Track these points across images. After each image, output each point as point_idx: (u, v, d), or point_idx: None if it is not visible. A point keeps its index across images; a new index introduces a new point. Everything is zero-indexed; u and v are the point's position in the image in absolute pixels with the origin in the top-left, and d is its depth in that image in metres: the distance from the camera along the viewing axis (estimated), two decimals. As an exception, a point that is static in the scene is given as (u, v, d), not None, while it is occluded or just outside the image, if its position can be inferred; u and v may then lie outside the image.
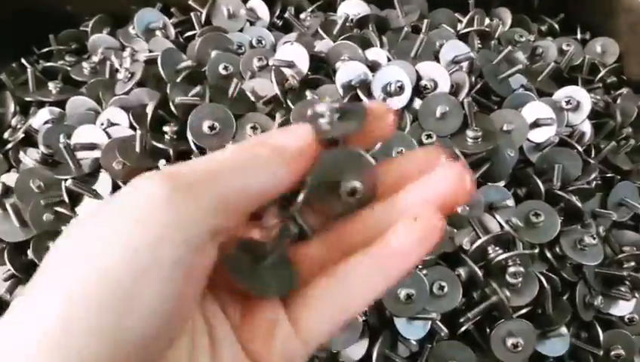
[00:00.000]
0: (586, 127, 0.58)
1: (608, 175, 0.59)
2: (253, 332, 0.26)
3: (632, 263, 0.55)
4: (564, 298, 0.52)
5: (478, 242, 0.48)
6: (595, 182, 0.56)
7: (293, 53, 0.55)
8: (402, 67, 0.52)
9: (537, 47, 0.69)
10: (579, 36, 0.74)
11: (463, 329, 0.48)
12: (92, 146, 0.53)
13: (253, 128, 0.51)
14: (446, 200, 0.27)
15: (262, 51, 0.58)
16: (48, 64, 0.66)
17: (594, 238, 0.51)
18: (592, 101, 0.58)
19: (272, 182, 0.24)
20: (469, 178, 0.27)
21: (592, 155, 0.58)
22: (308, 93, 0.53)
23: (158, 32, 0.64)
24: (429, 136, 0.51)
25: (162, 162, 0.52)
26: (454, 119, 0.52)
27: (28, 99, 0.62)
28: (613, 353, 0.52)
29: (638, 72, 0.70)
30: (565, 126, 0.57)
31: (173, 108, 0.53)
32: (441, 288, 0.47)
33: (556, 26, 0.75)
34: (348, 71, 0.54)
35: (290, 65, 0.55)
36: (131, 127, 0.54)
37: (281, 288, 0.27)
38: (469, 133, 0.51)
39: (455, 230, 0.50)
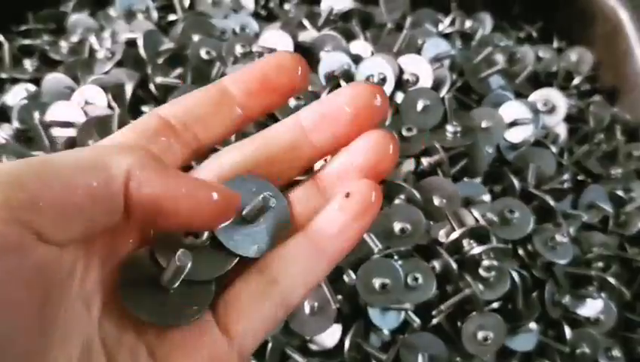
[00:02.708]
0: (561, 130, 0.59)
1: (580, 178, 0.60)
2: (173, 344, 0.24)
3: (600, 263, 0.56)
4: (534, 295, 0.53)
5: (454, 235, 0.49)
6: (566, 184, 0.57)
7: (277, 41, 0.55)
8: (385, 59, 0.53)
9: (515, 52, 0.71)
10: (555, 45, 0.76)
11: (435, 321, 0.48)
12: (67, 124, 0.52)
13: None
14: (371, 168, 0.27)
15: (245, 38, 0.58)
16: (25, 42, 0.65)
17: (565, 237, 0.52)
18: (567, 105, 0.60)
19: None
20: (393, 143, 0.27)
21: (565, 158, 0.60)
22: (291, 81, 0.53)
23: (139, 15, 0.64)
24: (409, 129, 0.51)
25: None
26: (435, 114, 0.52)
27: (3, 75, 0.61)
28: (578, 351, 0.53)
29: (611, 80, 0.72)
30: (541, 128, 0.58)
31: (153, 88, 0.52)
32: (415, 279, 0.47)
33: (534, 34, 0.77)
34: (331, 61, 0.54)
35: (274, 52, 0.54)
36: (109, 106, 0.53)
37: (191, 313, 0.24)
38: (449, 127, 0.52)
39: (431, 223, 0.50)
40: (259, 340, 0.26)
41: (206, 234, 0.26)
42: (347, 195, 0.26)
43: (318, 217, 0.27)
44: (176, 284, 0.24)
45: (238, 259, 0.26)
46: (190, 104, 0.27)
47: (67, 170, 0.21)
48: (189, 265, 0.23)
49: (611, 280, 0.54)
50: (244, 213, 0.26)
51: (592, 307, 0.54)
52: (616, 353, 0.55)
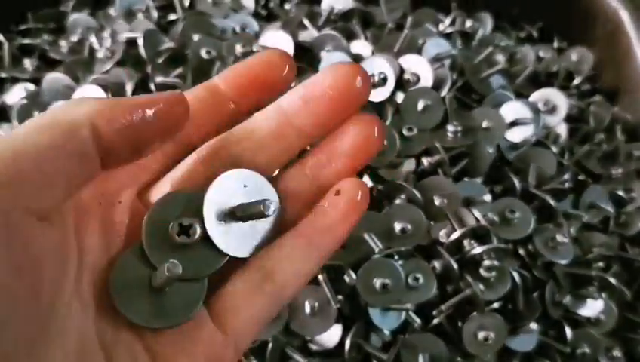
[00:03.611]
0: (562, 130, 0.59)
1: (580, 178, 0.60)
2: (169, 340, 0.25)
3: (601, 264, 0.56)
4: (535, 295, 0.53)
5: (455, 235, 0.49)
6: (567, 184, 0.57)
7: (278, 40, 0.55)
8: (386, 59, 0.53)
9: (516, 52, 0.71)
10: (556, 45, 0.76)
11: (436, 321, 0.48)
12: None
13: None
14: (358, 152, 0.27)
15: (245, 37, 0.58)
16: (25, 41, 0.65)
17: (565, 237, 0.52)
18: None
19: None
20: (379, 127, 0.28)
21: (566, 158, 0.59)
22: (291, 81, 0.53)
23: (139, 14, 0.63)
24: (410, 129, 0.51)
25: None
26: (436, 113, 0.52)
27: (3, 75, 0.60)
28: (579, 351, 0.53)
29: (611, 81, 0.72)
30: (541, 128, 0.58)
31: (153, 88, 0.52)
32: (416, 279, 0.47)
33: (534, 34, 0.77)
34: (331, 61, 0.54)
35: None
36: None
37: (183, 313, 0.25)
38: (450, 127, 0.52)
39: (432, 223, 0.50)
40: (254, 335, 0.26)
41: (198, 232, 0.25)
42: (337, 193, 0.27)
43: (310, 214, 0.27)
44: (167, 288, 0.25)
45: (228, 257, 0.26)
46: None
47: (35, 136, 0.22)
48: (179, 273, 0.23)
49: (612, 280, 0.54)
50: (237, 211, 0.26)
51: (592, 307, 0.54)
52: (616, 353, 0.55)
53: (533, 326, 0.50)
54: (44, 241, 0.21)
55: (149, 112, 0.24)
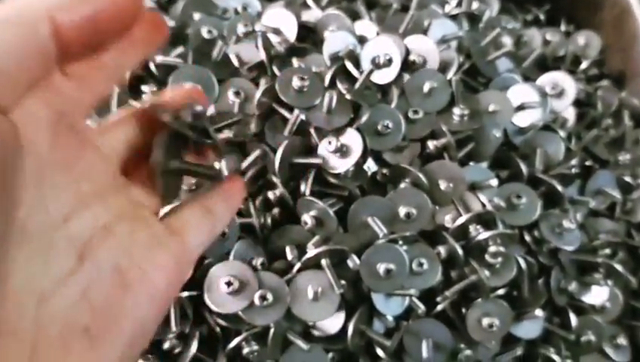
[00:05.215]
0: (570, 114, 0.58)
1: (587, 163, 0.59)
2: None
3: (607, 250, 0.55)
4: (540, 282, 0.52)
5: (460, 220, 0.48)
6: (574, 169, 0.56)
7: (281, 20, 0.53)
8: (392, 40, 0.51)
9: (522, 35, 0.69)
10: (563, 28, 0.75)
11: (440, 307, 0.48)
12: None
13: (236, 94, 0.50)
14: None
15: (248, 17, 0.56)
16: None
17: (572, 223, 0.51)
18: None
19: None
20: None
21: (573, 143, 0.58)
22: (294, 62, 0.52)
23: (139, -7, 0.62)
24: (415, 112, 0.50)
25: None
26: (442, 96, 0.51)
27: None
28: (583, 338, 0.52)
29: (619, 65, 0.71)
30: (549, 112, 0.57)
31: (153, 67, 0.51)
32: (420, 265, 0.47)
33: (541, 17, 0.76)
34: (336, 41, 0.52)
35: (277, 32, 0.53)
36: (108, 85, 0.51)
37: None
38: (456, 110, 0.51)
39: (437, 207, 0.49)
40: (201, 247, 0.34)
41: None
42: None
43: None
44: None
45: None
46: None
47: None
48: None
49: (618, 267, 0.54)
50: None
51: (597, 294, 0.54)
52: (621, 341, 0.54)
53: (539, 312, 0.49)
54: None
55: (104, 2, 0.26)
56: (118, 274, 0.28)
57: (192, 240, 0.32)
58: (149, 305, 0.29)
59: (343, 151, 0.47)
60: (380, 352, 0.47)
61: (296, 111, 0.47)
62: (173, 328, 0.43)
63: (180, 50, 0.53)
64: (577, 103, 0.61)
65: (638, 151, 0.62)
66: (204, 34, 0.53)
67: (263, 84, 0.50)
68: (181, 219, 0.33)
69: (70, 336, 0.25)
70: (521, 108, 0.55)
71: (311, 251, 0.45)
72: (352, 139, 0.48)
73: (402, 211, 0.47)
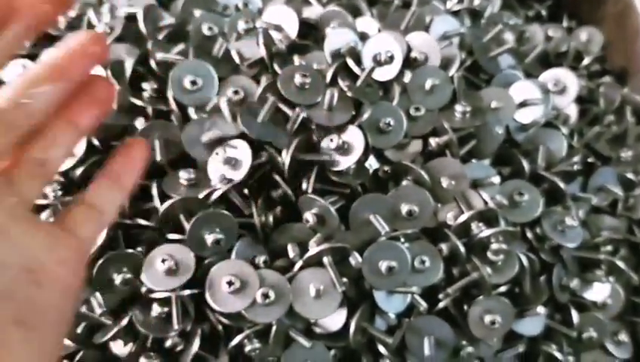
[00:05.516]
0: (572, 111, 0.58)
1: (589, 160, 0.59)
2: None
3: (609, 247, 0.55)
4: (542, 279, 0.52)
5: (462, 217, 0.48)
6: (576, 166, 0.56)
7: (282, 17, 0.53)
8: (393, 37, 0.51)
9: (524, 31, 0.69)
10: (565, 24, 0.74)
11: (441, 304, 0.48)
12: (66, 101, 0.50)
13: (236, 93, 0.49)
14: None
15: (248, 14, 0.56)
16: (21, 16, 0.63)
17: (574, 220, 0.51)
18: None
19: None
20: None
21: (575, 140, 0.58)
22: (296, 59, 0.52)
23: (139, -11, 0.62)
24: (417, 109, 0.50)
25: (140, 120, 0.50)
26: (444, 93, 0.51)
27: (-2, 51, 0.59)
28: (585, 335, 0.52)
29: (621, 61, 0.70)
30: (551, 108, 0.57)
31: (154, 65, 0.51)
32: (422, 262, 0.46)
33: (543, 13, 0.75)
34: (337, 38, 0.52)
35: (278, 28, 0.53)
36: (109, 83, 0.51)
37: None
38: (458, 107, 0.51)
39: (439, 205, 0.49)
40: (93, 237, 0.37)
41: None
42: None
43: None
44: None
45: None
46: None
47: None
48: None
49: (620, 264, 0.54)
50: None
51: (599, 291, 0.54)
52: (622, 337, 0.54)
53: (540, 309, 0.49)
54: None
55: None
56: (28, 273, 0.31)
57: (83, 232, 0.35)
58: (63, 297, 0.33)
59: (344, 148, 0.47)
60: (382, 349, 0.47)
61: (297, 109, 0.47)
62: (175, 326, 0.43)
63: (180, 47, 0.53)
64: (579, 100, 0.61)
65: (640, 148, 0.61)
66: (205, 31, 0.53)
67: (264, 81, 0.50)
68: (68, 215, 0.36)
69: (5, 329, 0.29)
70: (523, 104, 0.54)
71: (313, 249, 0.45)
72: (354, 136, 0.48)
73: (404, 209, 0.47)
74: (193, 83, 0.48)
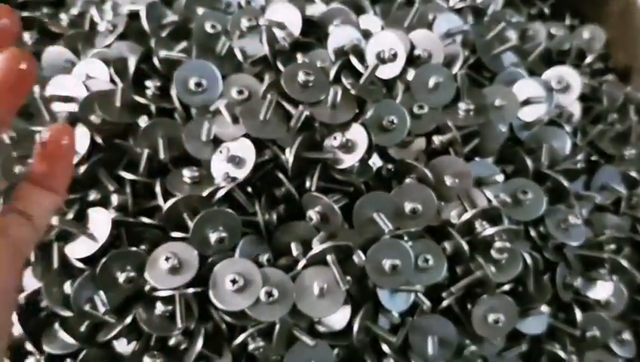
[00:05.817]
0: (575, 109, 0.58)
1: (593, 158, 0.59)
2: None
3: (612, 246, 0.55)
4: (545, 277, 0.52)
5: (466, 216, 0.48)
6: (579, 164, 0.56)
7: (285, 14, 0.53)
8: (396, 35, 0.51)
9: (527, 29, 0.69)
10: (568, 22, 0.74)
11: (445, 303, 0.48)
12: (68, 98, 0.50)
13: (240, 92, 0.49)
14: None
15: (251, 11, 0.56)
16: (24, 14, 0.63)
17: (578, 218, 0.51)
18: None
19: None
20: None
21: (579, 138, 0.58)
22: (299, 57, 0.52)
23: (142, -13, 0.61)
24: (420, 107, 0.50)
25: (143, 118, 0.50)
26: (447, 91, 0.51)
27: (1, 48, 0.59)
28: (588, 334, 0.52)
29: (624, 59, 0.70)
30: (554, 107, 0.57)
31: (157, 63, 0.50)
32: (426, 261, 0.46)
33: (546, 10, 0.75)
34: (340, 36, 0.52)
35: (281, 26, 0.53)
36: (111, 80, 0.51)
37: None
38: (461, 105, 0.50)
39: (443, 203, 0.49)
40: (28, 239, 0.37)
41: None
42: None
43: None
44: None
45: None
46: None
47: None
48: None
49: (623, 262, 0.53)
50: None
51: (603, 290, 0.54)
52: (626, 336, 0.54)
53: (544, 308, 0.49)
54: None
55: None
56: None
57: (15, 233, 0.36)
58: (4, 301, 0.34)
59: (348, 146, 0.47)
60: (385, 348, 0.47)
61: (301, 107, 0.47)
62: (179, 324, 0.43)
63: (183, 44, 0.53)
64: (582, 98, 0.61)
65: (644, 147, 0.61)
66: (208, 28, 0.53)
67: (267, 78, 0.50)
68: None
69: None
70: (526, 102, 0.54)
71: (316, 247, 0.44)
72: (357, 134, 0.47)
73: (408, 207, 0.47)
74: (198, 85, 0.48)
